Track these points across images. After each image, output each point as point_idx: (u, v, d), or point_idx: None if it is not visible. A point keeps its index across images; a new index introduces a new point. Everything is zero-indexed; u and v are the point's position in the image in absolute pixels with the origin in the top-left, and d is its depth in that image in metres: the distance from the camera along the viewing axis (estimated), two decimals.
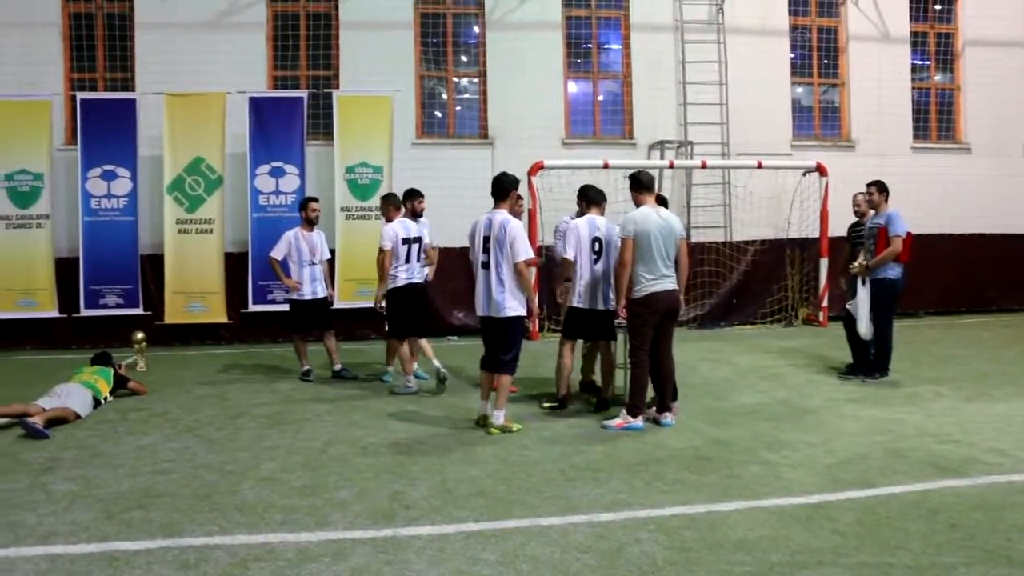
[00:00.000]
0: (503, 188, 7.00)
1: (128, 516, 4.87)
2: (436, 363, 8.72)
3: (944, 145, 15.61)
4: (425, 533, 4.54)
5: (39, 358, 11.81)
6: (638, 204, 7.16)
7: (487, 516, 4.79)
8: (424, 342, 9.17)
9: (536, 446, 6.37)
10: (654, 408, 7.17)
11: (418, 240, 8.73)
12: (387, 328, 8.96)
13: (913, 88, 15.48)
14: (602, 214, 7.74)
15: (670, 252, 6.96)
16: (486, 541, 4.41)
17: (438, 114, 14.47)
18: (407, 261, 8.63)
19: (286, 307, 10.04)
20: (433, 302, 10.14)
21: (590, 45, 14.73)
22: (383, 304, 8.72)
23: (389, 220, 8.73)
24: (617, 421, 6.99)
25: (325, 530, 4.61)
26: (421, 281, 8.88)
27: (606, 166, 12.21)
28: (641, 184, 7.18)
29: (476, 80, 14.43)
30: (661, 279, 6.91)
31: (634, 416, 6.95)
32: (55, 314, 12.56)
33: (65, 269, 12.57)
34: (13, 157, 12.50)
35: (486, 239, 6.87)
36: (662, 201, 7.60)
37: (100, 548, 4.38)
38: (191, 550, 4.34)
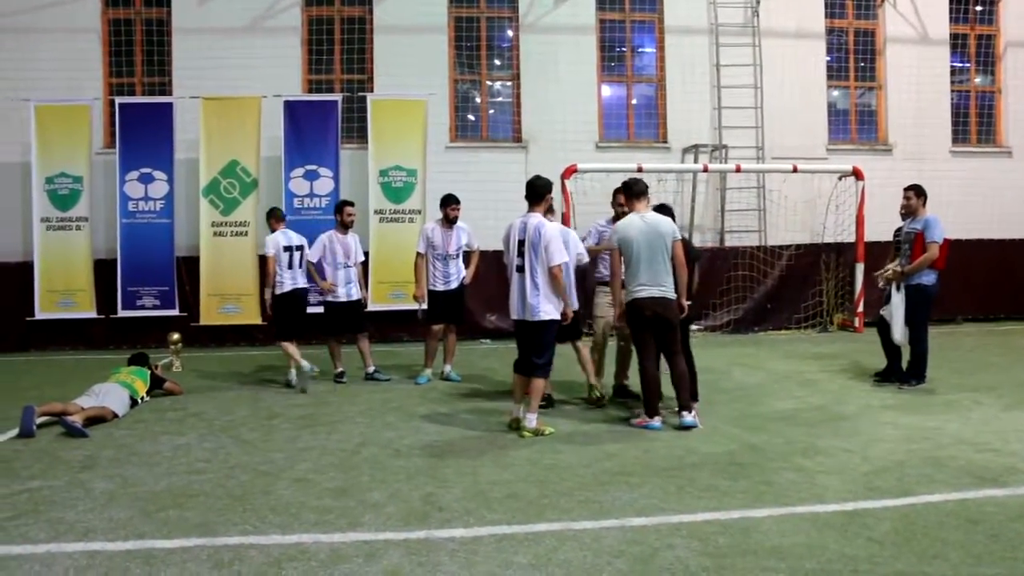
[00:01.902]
0: (537, 191, 7.01)
1: (164, 514, 4.93)
2: (305, 364, 9.07)
3: (984, 149, 15.40)
4: (458, 535, 4.54)
5: (78, 358, 12.01)
6: (629, 211, 7.24)
7: (519, 519, 4.78)
8: (293, 347, 9.43)
9: (569, 449, 6.35)
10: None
11: (300, 248, 9.56)
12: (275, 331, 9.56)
13: (952, 91, 15.30)
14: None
15: (657, 257, 6.95)
16: (518, 544, 4.40)
17: (471, 117, 14.52)
18: (289, 267, 9.42)
19: (320, 309, 10.12)
20: (467, 303, 10.09)
21: (624, 48, 14.71)
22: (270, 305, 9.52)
23: (273, 231, 9.53)
24: (637, 420, 7.13)
25: (358, 531, 4.63)
26: (305, 286, 9.68)
27: (640, 169, 12.15)
28: (630, 191, 7.27)
29: (510, 83, 14.46)
30: (645, 286, 6.94)
31: (650, 416, 7.04)
32: (93, 315, 12.77)
33: (103, 270, 12.78)
34: (54, 160, 12.74)
35: (520, 243, 6.88)
36: (666, 210, 7.54)
37: (137, 545, 4.44)
38: (225, 549, 4.37)
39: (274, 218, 9.74)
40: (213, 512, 4.97)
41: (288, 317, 9.51)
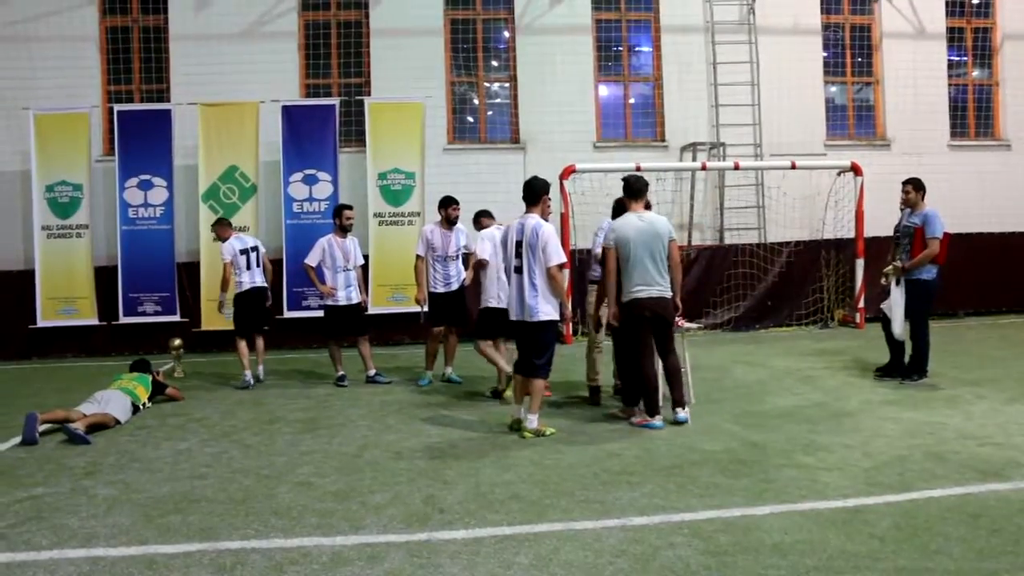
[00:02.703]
0: (535, 192, 7.03)
1: (166, 520, 4.94)
2: (248, 374, 9.75)
3: (983, 142, 15.38)
4: (459, 537, 4.55)
5: (80, 365, 12.03)
6: (625, 209, 7.25)
7: (521, 520, 4.79)
8: (259, 343, 10.14)
9: (570, 449, 6.36)
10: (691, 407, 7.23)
11: (254, 249, 10.02)
12: (234, 328, 10.07)
13: (950, 84, 15.28)
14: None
15: (656, 256, 6.98)
16: (519, 545, 4.40)
17: (470, 119, 14.53)
18: (248, 268, 9.88)
19: (321, 313, 10.14)
20: (468, 305, 10.07)
21: (620, 48, 14.71)
22: (229, 306, 10.00)
23: (225, 239, 9.98)
24: (637, 419, 7.14)
25: (360, 534, 4.63)
26: (263, 285, 10.09)
27: (638, 169, 12.11)
28: (629, 190, 7.24)
29: (507, 85, 14.47)
30: (643, 286, 6.96)
31: (651, 415, 7.05)
32: (95, 322, 12.79)
33: (104, 277, 12.80)
34: (54, 168, 12.77)
35: (519, 244, 6.88)
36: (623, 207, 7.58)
37: (139, 551, 4.45)
38: (228, 553, 4.38)
39: (223, 226, 10.23)
40: (215, 517, 4.98)
41: (247, 315, 9.96)
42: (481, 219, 8.90)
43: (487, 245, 8.44)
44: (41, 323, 12.69)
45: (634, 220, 7.05)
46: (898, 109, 14.98)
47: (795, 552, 4.19)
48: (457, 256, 9.42)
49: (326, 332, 9.80)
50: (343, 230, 9.61)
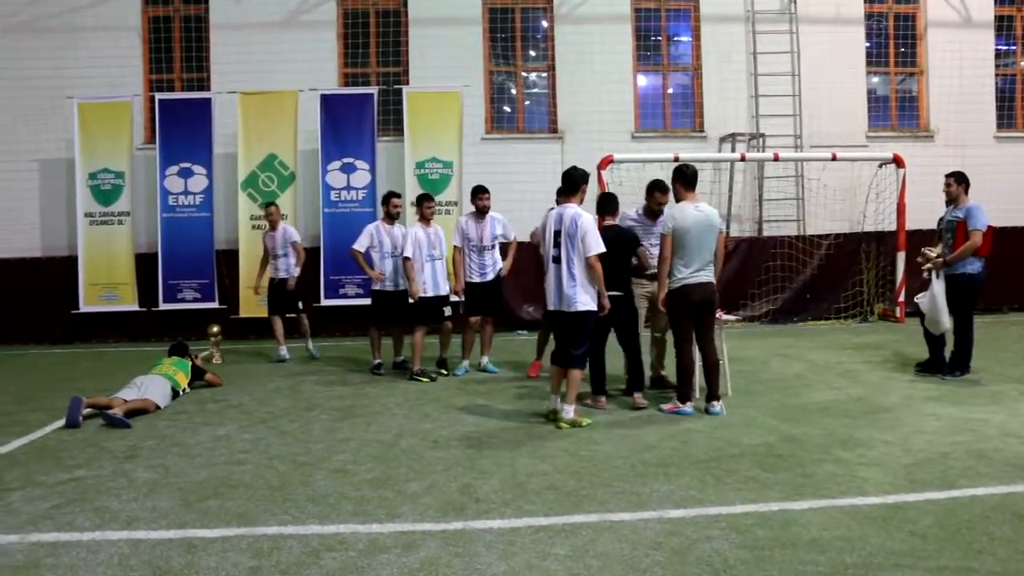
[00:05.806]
0: (574, 182, 7.01)
1: (205, 504, 5.00)
2: (283, 350, 10.76)
3: None
4: (495, 526, 4.55)
5: (121, 350, 12.21)
6: (678, 198, 7.29)
7: (557, 510, 4.78)
8: (279, 322, 10.95)
9: (606, 441, 6.34)
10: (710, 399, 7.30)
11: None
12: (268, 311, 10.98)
13: (997, 75, 14.95)
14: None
15: (708, 246, 7.07)
16: (556, 535, 4.39)
17: (507, 109, 14.49)
18: (275, 258, 10.84)
19: (367, 300, 10.11)
20: (504, 295, 10.04)
21: (659, 37, 14.58)
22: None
23: (276, 224, 10.87)
24: (668, 406, 7.26)
25: (396, 522, 4.65)
26: (286, 275, 10.84)
27: (676, 159, 12.05)
28: (684, 178, 7.27)
29: (545, 74, 14.41)
30: (696, 272, 7.04)
31: (683, 402, 7.17)
32: (135, 308, 12.99)
33: (145, 264, 12.98)
34: (96, 156, 12.97)
35: (557, 233, 6.87)
36: (611, 200, 7.83)
37: (179, 534, 4.51)
38: (265, 539, 4.42)
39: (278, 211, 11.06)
40: (253, 502, 5.03)
41: (277, 299, 10.83)
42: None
43: (409, 245, 9.04)
44: (84, 308, 12.93)
45: (691, 210, 7.08)
46: (943, 100, 14.70)
47: (834, 548, 4.13)
48: (493, 245, 9.40)
49: (370, 318, 9.80)
50: (390, 217, 9.60)
